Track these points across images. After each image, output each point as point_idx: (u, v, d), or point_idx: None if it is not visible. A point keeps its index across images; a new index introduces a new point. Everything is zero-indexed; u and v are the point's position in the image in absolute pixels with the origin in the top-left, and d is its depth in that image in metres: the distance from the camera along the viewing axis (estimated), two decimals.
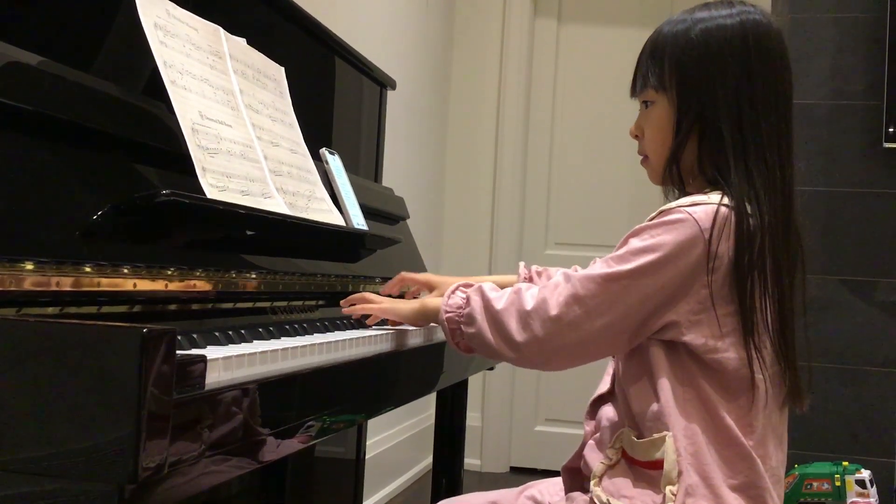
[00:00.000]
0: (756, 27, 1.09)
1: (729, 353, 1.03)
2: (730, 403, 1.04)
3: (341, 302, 1.34)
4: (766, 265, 1.04)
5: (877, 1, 2.75)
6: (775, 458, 1.07)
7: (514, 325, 1.08)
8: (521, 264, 1.50)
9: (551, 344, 1.06)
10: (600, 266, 1.06)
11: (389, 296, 1.42)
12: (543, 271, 1.47)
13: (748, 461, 1.03)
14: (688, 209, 1.03)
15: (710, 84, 1.08)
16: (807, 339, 1.10)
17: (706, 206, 1.03)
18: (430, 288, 1.44)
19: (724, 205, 1.03)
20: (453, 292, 1.16)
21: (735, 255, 1.02)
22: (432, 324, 1.28)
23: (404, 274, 1.47)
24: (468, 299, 1.14)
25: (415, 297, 1.43)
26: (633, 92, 1.18)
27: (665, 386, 1.03)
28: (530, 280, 1.45)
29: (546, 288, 1.08)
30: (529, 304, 1.07)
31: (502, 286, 1.46)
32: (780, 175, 1.08)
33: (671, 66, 1.10)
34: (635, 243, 1.04)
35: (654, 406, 1.04)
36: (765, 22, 1.11)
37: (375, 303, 1.31)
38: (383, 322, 1.35)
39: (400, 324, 1.35)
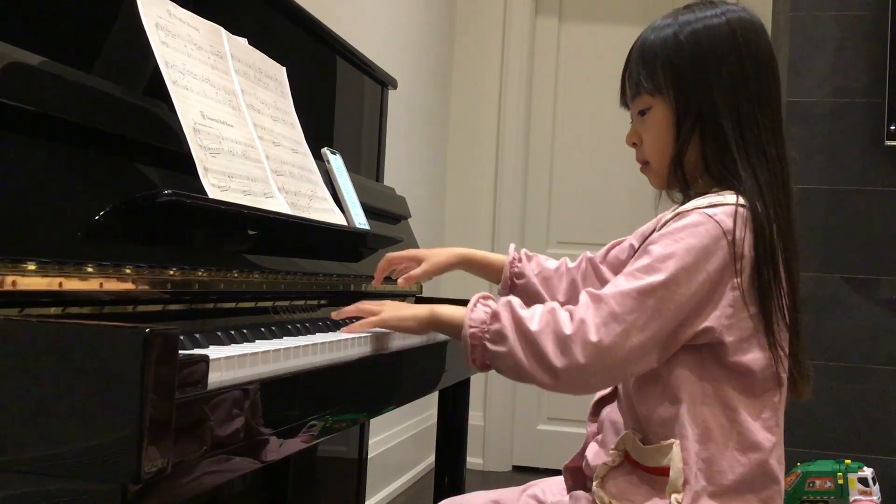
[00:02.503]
0: (742, 24, 1.10)
1: (756, 353, 1.02)
2: (753, 404, 1.03)
3: (332, 315, 1.27)
4: (779, 260, 1.04)
5: None
6: (783, 449, 1.08)
7: (551, 350, 1.01)
8: (512, 246, 1.46)
9: (592, 369, 1.00)
10: (627, 280, 1.02)
11: (385, 296, 1.41)
12: (534, 256, 1.45)
13: (763, 466, 1.03)
14: (707, 211, 1.02)
15: (706, 83, 1.08)
16: (804, 330, 1.11)
17: (725, 208, 1.03)
18: (418, 261, 1.41)
19: (740, 205, 1.03)
20: (475, 305, 1.08)
21: (755, 254, 1.02)
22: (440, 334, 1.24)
23: (389, 255, 1.42)
24: (495, 315, 1.06)
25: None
26: (624, 101, 1.17)
27: (683, 391, 1.02)
28: (518, 260, 1.43)
29: (579, 310, 1.02)
30: (567, 327, 1.01)
31: (490, 264, 1.45)
32: (780, 167, 1.08)
33: (665, 70, 1.10)
34: (659, 251, 1.02)
35: (666, 411, 1.04)
36: (749, 18, 1.11)
37: (374, 313, 1.19)
38: None
39: None
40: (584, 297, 1.03)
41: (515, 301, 1.07)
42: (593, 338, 0.99)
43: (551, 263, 1.45)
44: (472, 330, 1.06)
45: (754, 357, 1.02)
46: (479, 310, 1.07)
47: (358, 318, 1.22)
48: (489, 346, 1.05)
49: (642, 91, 1.12)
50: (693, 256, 1.00)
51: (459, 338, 1.08)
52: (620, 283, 1.02)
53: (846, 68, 2.78)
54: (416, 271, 1.40)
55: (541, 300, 1.35)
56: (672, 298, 0.99)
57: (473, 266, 1.46)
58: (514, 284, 1.42)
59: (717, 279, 1.01)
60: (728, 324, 1.01)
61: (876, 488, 2.45)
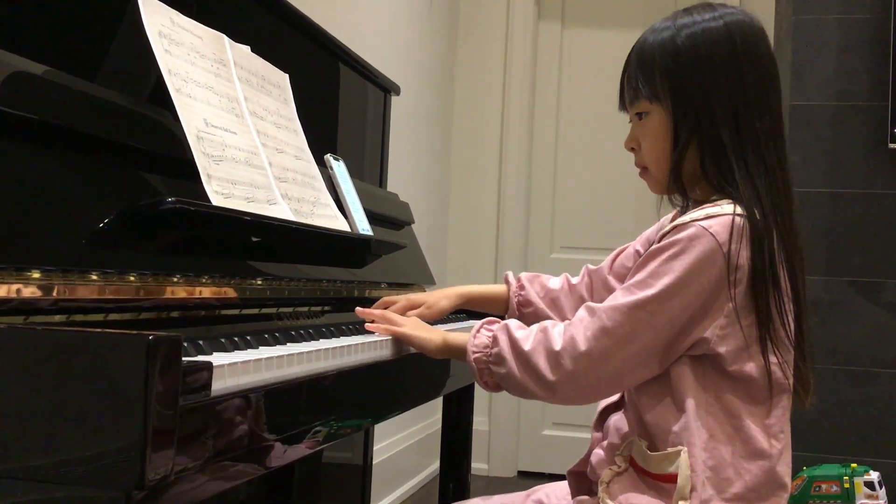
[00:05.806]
0: (741, 27, 1.09)
1: (755, 361, 1.02)
2: (757, 412, 1.03)
3: (357, 309, 1.29)
4: (779, 267, 1.03)
5: (881, 2, 2.74)
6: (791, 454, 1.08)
7: (543, 365, 1.05)
8: (509, 274, 1.46)
9: (586, 380, 1.04)
10: (622, 294, 1.04)
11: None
12: (535, 278, 1.45)
13: (771, 473, 1.03)
14: (703, 223, 1.02)
15: (703, 90, 1.07)
16: (809, 336, 1.11)
17: (721, 219, 1.02)
18: (416, 307, 1.39)
19: (738, 215, 1.02)
20: (478, 331, 1.13)
21: (752, 264, 1.01)
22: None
23: (386, 300, 1.41)
24: (495, 338, 1.11)
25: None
26: (623, 105, 1.17)
27: (688, 399, 1.02)
28: (521, 289, 1.43)
29: (572, 325, 1.06)
30: (558, 343, 1.05)
31: (493, 298, 1.45)
32: (780, 174, 1.08)
33: (662, 75, 1.09)
34: (653, 265, 1.03)
35: (672, 419, 1.04)
36: (748, 21, 1.10)
37: (398, 324, 1.25)
38: None
39: None
40: (581, 311, 1.07)
41: (513, 323, 1.11)
42: (582, 348, 1.03)
43: (553, 282, 1.45)
44: (476, 355, 1.11)
45: (754, 366, 1.02)
46: (482, 335, 1.12)
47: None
48: (493, 368, 1.10)
49: (640, 96, 1.12)
50: (687, 270, 1.01)
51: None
52: (617, 298, 1.05)
53: (849, 72, 2.78)
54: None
55: None
56: (663, 311, 1.01)
57: (475, 303, 1.47)
58: (523, 314, 1.43)
59: (712, 291, 1.01)
60: (722, 334, 1.01)
61: (882, 492, 2.44)
